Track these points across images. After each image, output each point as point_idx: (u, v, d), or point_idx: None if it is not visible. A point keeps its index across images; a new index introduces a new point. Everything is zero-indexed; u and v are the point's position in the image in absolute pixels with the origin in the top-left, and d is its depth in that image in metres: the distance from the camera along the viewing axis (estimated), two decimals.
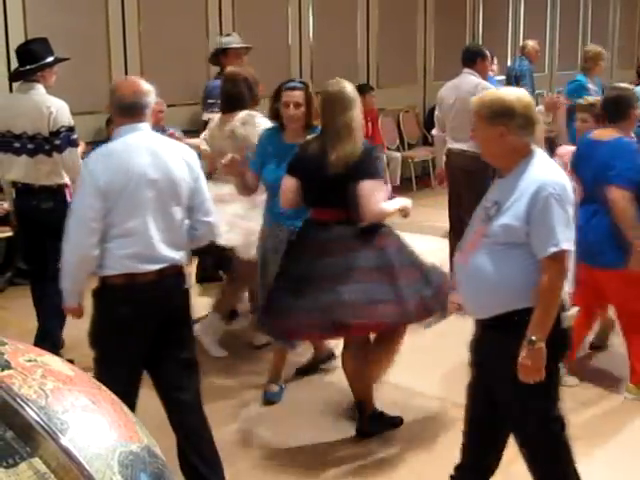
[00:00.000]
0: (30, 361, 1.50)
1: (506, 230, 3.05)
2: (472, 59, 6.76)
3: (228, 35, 6.87)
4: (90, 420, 1.43)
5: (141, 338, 3.55)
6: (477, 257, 3.11)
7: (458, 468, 3.45)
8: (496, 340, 3.16)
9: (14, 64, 7.14)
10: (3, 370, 1.43)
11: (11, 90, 7.07)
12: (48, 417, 1.35)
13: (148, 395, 3.63)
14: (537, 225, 3.01)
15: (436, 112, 7.07)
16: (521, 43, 11.28)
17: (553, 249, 2.99)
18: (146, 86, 3.66)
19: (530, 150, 3.14)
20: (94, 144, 4.62)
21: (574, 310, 3.18)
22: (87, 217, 3.44)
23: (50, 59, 5.34)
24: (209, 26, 9.01)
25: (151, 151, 3.52)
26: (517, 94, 3.17)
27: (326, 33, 10.21)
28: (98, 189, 3.41)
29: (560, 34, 13.89)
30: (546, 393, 3.16)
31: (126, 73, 8.28)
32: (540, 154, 3.17)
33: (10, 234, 6.81)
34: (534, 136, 3.14)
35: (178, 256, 3.58)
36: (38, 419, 1.33)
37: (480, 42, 11.92)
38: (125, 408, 1.58)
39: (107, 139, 4.47)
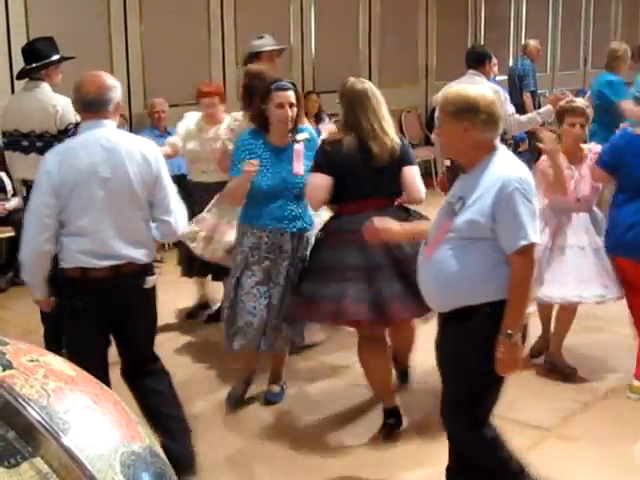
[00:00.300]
0: (32, 361, 1.50)
1: (471, 225, 3.08)
2: (480, 60, 6.54)
3: (261, 37, 6.80)
4: (92, 420, 1.43)
5: (94, 329, 3.62)
6: (441, 251, 3.14)
7: (447, 470, 3.48)
8: (455, 333, 3.21)
9: (16, 64, 7.16)
10: (5, 370, 1.43)
11: (13, 90, 7.08)
12: (50, 417, 1.36)
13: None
14: (505, 221, 3.03)
15: (437, 114, 6.84)
16: (523, 42, 11.24)
17: (523, 242, 3.02)
18: (110, 81, 3.63)
19: (494, 146, 3.17)
20: None
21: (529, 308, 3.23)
22: (41, 213, 3.50)
23: (55, 57, 5.35)
24: (211, 26, 9.01)
25: (106, 148, 3.52)
26: (481, 91, 3.20)
27: (328, 33, 10.21)
28: (51, 186, 3.47)
29: (562, 34, 13.88)
30: (488, 393, 3.23)
31: (128, 73, 8.29)
32: (502, 150, 3.20)
33: (12, 234, 6.82)
34: (497, 132, 3.17)
35: (138, 254, 3.59)
36: (40, 419, 1.33)
37: (482, 42, 11.92)
38: (127, 408, 1.58)
39: None
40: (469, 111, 3.10)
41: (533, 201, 3.08)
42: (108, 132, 3.57)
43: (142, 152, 3.58)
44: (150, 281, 3.68)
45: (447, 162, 6.44)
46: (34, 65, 5.29)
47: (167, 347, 5.22)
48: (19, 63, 6.77)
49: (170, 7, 8.50)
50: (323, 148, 4.37)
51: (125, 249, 3.55)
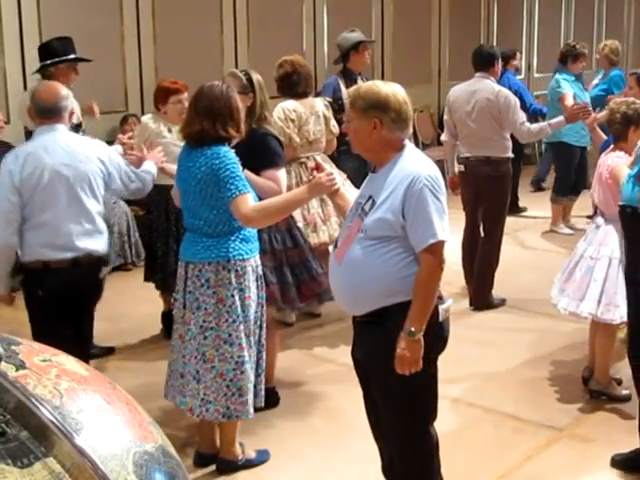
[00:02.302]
0: (45, 361, 1.50)
1: (382, 224, 2.99)
2: (490, 62, 6.26)
3: (353, 31, 6.81)
4: (105, 420, 1.43)
5: (58, 319, 3.89)
6: (351, 253, 3.05)
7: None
8: (372, 337, 3.10)
9: (29, 63, 7.18)
10: (18, 370, 1.43)
11: (25, 89, 7.11)
12: (63, 417, 1.36)
13: None
14: (414, 217, 2.95)
15: (445, 116, 6.63)
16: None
17: (431, 240, 2.94)
18: (65, 91, 4.09)
19: (403, 145, 3.10)
20: (108, 144, 4.66)
21: (450, 302, 3.13)
22: (5, 210, 3.86)
23: (68, 56, 5.37)
24: (223, 27, 9.02)
25: (65, 149, 3.93)
26: (393, 88, 3.11)
27: (340, 33, 10.19)
28: (14, 186, 3.83)
29: (575, 33, 13.83)
30: (422, 396, 3.11)
31: (140, 74, 8.31)
32: (410, 147, 3.13)
33: None
34: (406, 132, 3.10)
35: (95, 245, 3.97)
36: (53, 419, 1.34)
37: (495, 42, 11.89)
38: (139, 407, 1.58)
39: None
40: (378, 108, 3.03)
41: (442, 199, 3.00)
42: (63, 135, 3.99)
43: (96, 153, 4.03)
44: (105, 271, 4.09)
45: (462, 168, 6.31)
46: (49, 62, 5.33)
47: None
48: (31, 62, 6.81)
49: (183, 7, 8.52)
50: (278, 140, 4.43)
51: (82, 242, 3.91)
